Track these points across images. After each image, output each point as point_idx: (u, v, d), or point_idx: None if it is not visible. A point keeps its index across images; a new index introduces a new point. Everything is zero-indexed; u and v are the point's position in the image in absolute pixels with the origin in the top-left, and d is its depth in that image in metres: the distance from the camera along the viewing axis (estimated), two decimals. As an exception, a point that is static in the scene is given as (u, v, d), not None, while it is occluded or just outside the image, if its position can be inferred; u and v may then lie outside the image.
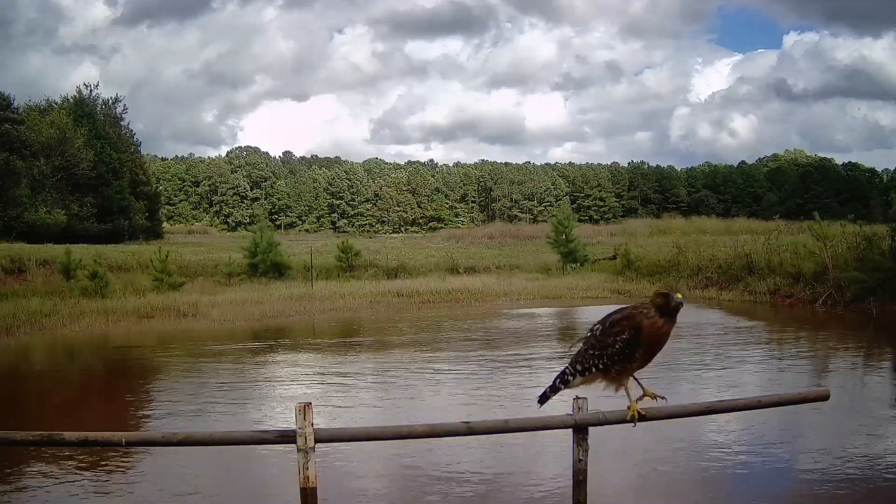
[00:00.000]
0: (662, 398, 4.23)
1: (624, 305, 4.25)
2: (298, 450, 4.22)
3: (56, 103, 54.56)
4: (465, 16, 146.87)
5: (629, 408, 4.18)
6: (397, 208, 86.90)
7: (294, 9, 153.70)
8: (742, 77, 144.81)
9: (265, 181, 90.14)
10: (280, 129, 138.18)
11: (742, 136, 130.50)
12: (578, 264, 30.87)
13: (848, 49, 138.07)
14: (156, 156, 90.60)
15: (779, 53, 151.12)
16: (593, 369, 4.13)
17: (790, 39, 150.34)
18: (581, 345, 4.25)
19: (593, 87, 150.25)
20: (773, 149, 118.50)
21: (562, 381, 4.28)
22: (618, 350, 4.00)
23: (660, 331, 3.94)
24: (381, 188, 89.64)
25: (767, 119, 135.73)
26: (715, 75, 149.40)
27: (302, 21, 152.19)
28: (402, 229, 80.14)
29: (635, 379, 4.18)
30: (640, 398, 4.21)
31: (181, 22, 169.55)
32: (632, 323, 4.00)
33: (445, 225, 78.44)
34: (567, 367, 4.27)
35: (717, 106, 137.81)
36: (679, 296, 3.93)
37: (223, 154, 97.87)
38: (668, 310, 3.92)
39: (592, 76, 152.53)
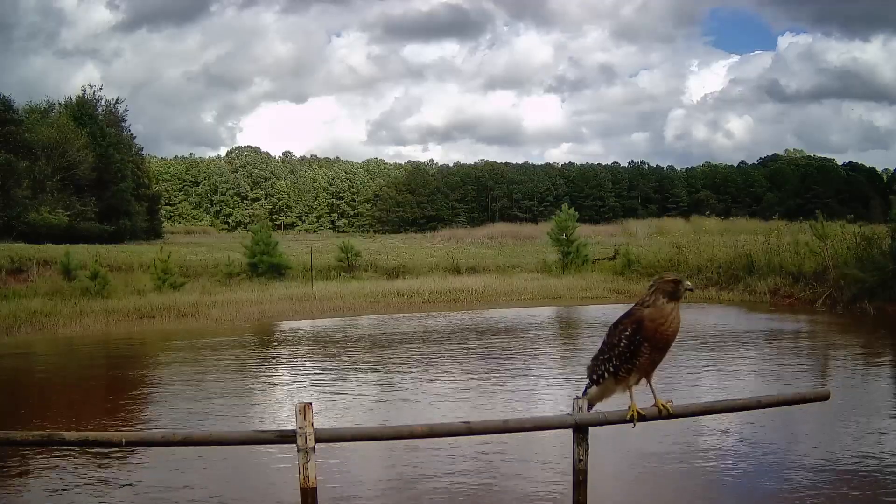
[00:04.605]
0: (668, 413, 4.24)
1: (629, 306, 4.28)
2: (298, 450, 4.22)
3: (60, 104, 54.67)
4: (460, 19, 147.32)
5: (629, 408, 4.19)
6: (397, 208, 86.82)
7: (291, 12, 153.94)
8: (735, 79, 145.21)
9: (265, 181, 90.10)
10: (279, 130, 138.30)
11: (737, 137, 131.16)
12: (581, 261, 30.86)
13: (839, 51, 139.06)
14: (155, 156, 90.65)
15: (773, 55, 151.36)
16: (606, 375, 4.16)
17: (785, 41, 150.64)
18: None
19: (588, 89, 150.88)
20: (769, 150, 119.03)
21: (584, 395, 4.35)
22: (623, 347, 4.03)
23: (667, 319, 3.94)
24: (380, 188, 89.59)
25: (762, 120, 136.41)
26: (711, 77, 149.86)
27: (299, 24, 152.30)
28: (402, 229, 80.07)
29: (650, 386, 4.19)
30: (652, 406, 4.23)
31: (180, 26, 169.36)
32: (632, 318, 4.04)
33: (445, 225, 78.36)
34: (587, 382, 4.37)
35: (710, 107, 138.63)
36: (689, 283, 4.06)
37: (223, 154, 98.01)
38: (676, 295, 3.96)
39: (587, 78, 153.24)
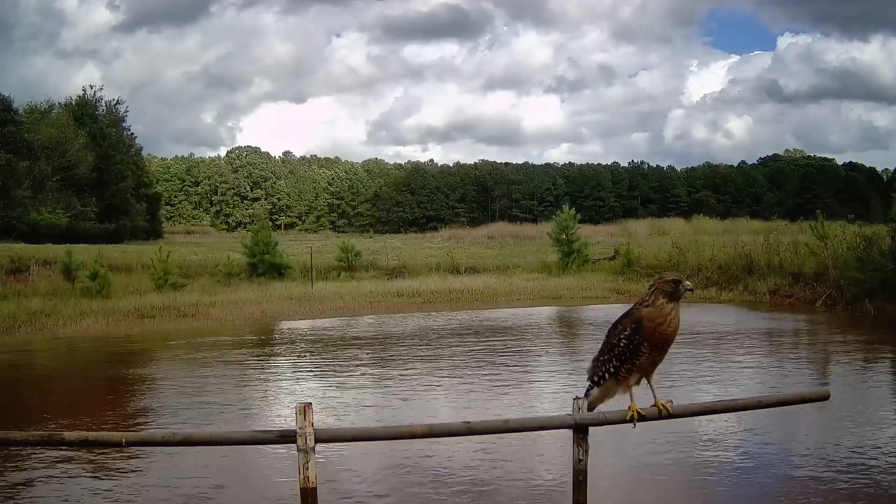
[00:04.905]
0: (668, 413, 4.23)
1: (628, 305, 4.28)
2: (298, 450, 4.22)
3: (60, 104, 54.73)
4: (460, 19, 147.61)
5: (629, 408, 4.19)
6: (397, 208, 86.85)
7: (291, 13, 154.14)
8: (734, 79, 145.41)
9: (265, 181, 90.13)
10: (279, 130, 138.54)
11: (737, 137, 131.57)
12: (581, 262, 30.85)
13: (838, 51, 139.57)
14: (155, 156, 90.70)
15: (773, 55, 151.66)
16: (606, 375, 4.16)
17: (784, 41, 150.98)
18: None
19: (587, 90, 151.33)
20: (769, 150, 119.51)
21: (585, 397, 4.35)
22: (623, 347, 4.03)
23: (666, 319, 3.94)
24: (380, 188, 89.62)
25: (762, 120, 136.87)
26: (710, 77, 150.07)
27: (299, 25, 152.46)
28: (402, 229, 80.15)
29: (650, 386, 4.19)
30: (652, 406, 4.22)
31: (180, 26, 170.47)
32: (631, 318, 4.04)
33: (445, 225, 78.47)
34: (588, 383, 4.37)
35: (710, 107, 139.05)
36: (689, 283, 4.06)
37: (223, 154, 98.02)
38: (675, 295, 3.96)
39: (586, 78, 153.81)
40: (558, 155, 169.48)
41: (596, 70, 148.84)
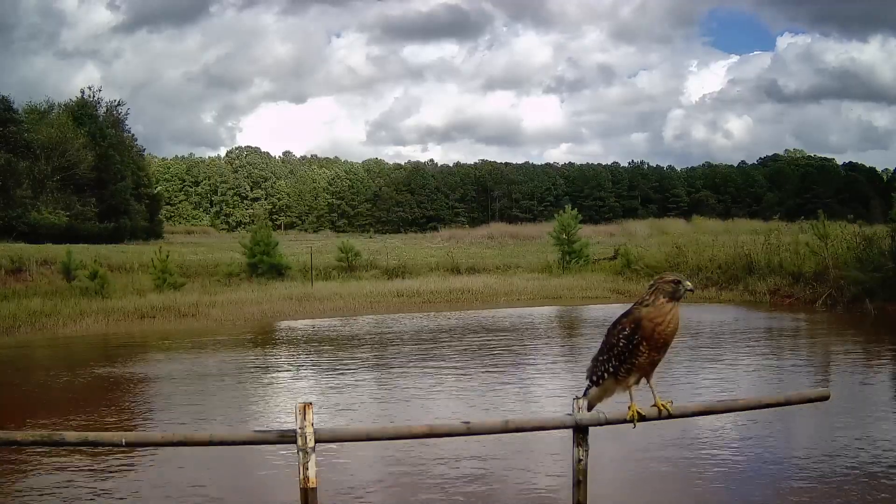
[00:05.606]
0: (668, 413, 4.22)
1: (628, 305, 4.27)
2: (298, 450, 4.21)
3: (59, 104, 54.72)
4: (459, 20, 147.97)
5: (629, 408, 4.18)
6: (397, 208, 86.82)
7: (291, 13, 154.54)
8: (734, 79, 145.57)
9: (265, 181, 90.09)
10: (279, 130, 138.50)
11: (737, 137, 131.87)
12: (582, 262, 30.87)
13: (837, 52, 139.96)
14: (155, 156, 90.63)
15: (772, 55, 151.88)
16: (605, 375, 4.14)
17: (783, 42, 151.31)
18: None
19: (587, 90, 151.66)
20: (768, 150, 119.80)
21: (584, 396, 4.34)
22: (622, 347, 4.02)
23: (665, 318, 3.93)
24: (380, 188, 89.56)
25: (761, 120, 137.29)
26: (710, 77, 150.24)
27: (299, 25, 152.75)
28: (402, 229, 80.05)
29: (650, 386, 4.18)
30: (652, 406, 4.21)
31: (180, 27, 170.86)
32: (631, 318, 4.03)
33: (445, 225, 78.36)
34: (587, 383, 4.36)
35: (709, 107, 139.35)
36: (689, 283, 4.03)
37: (223, 154, 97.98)
38: (675, 295, 3.95)
39: (586, 79, 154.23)
40: (558, 155, 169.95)
41: (595, 70, 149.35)
